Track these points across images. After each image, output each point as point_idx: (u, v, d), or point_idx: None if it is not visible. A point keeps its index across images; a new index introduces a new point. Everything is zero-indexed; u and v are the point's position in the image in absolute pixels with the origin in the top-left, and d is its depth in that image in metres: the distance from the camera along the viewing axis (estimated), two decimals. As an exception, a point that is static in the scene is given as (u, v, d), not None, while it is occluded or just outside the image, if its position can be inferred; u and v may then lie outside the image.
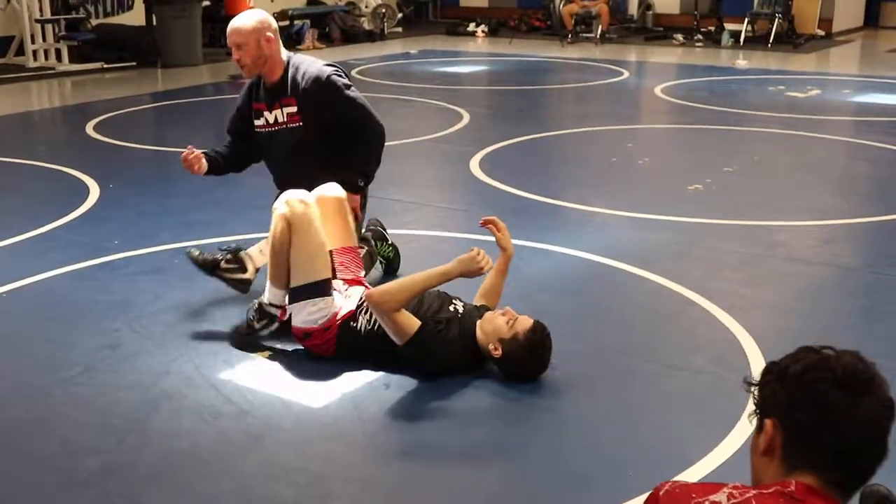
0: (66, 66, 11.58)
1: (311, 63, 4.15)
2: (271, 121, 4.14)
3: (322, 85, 4.06)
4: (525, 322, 3.41)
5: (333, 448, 3.04)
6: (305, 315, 3.57)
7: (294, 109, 4.09)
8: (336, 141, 4.12)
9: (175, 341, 3.76)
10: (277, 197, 3.77)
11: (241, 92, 4.29)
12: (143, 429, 3.12)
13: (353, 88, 4.14)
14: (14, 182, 6.53)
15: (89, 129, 8.06)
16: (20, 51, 11.77)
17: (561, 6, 14.82)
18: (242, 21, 4.03)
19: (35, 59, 11.61)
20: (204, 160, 4.14)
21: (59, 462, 2.95)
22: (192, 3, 12.07)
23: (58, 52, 11.75)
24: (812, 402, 1.45)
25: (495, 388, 3.39)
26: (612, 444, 3.05)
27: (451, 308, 3.53)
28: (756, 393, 1.55)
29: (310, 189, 3.78)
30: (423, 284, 3.42)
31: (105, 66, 11.60)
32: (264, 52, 4.02)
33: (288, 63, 4.11)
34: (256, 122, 4.19)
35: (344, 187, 3.95)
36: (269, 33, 4.03)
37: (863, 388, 1.44)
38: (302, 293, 3.57)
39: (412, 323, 3.38)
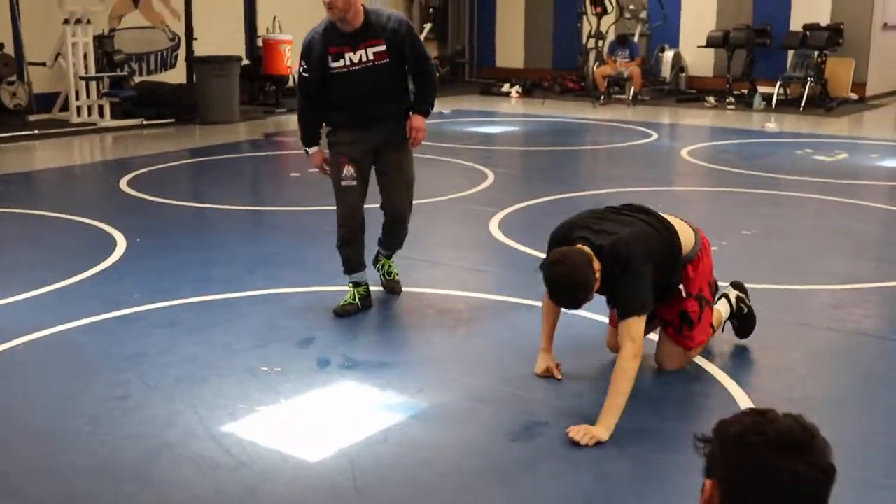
0: (107, 121, 11.94)
1: (389, 10, 4.78)
2: (355, 60, 4.58)
3: (407, 26, 4.66)
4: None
5: (323, 502, 3.10)
6: None
7: (382, 48, 4.57)
8: (408, 77, 4.73)
9: (183, 393, 3.86)
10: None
11: (311, 44, 4.64)
12: (141, 478, 3.21)
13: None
14: (45, 235, 6.73)
15: (123, 183, 8.30)
16: (65, 106, 12.15)
17: (594, 68, 15.01)
18: None
19: (78, 114, 11.98)
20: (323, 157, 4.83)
21: (57, 509, 3.04)
22: (230, 62, 12.43)
23: (100, 108, 12.13)
24: (745, 464, 1.48)
25: (496, 445, 3.44)
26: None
27: None
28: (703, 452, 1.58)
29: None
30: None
31: (145, 122, 11.94)
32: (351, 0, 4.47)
33: (366, 10, 4.56)
34: (334, 65, 4.58)
35: (421, 114, 4.74)
36: None
37: (795, 452, 1.46)
38: None
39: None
